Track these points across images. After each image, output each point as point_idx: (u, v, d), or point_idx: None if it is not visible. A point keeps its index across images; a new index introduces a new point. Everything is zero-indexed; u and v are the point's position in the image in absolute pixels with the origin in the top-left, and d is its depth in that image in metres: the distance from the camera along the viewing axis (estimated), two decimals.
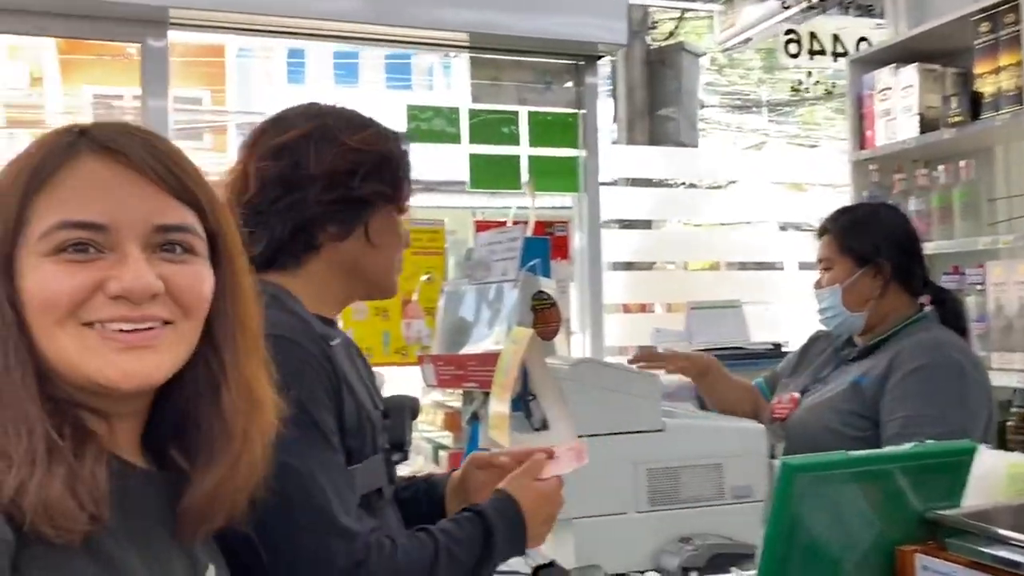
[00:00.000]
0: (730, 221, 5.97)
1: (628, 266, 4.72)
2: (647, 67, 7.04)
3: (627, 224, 4.37)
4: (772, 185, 5.73)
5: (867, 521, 0.96)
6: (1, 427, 0.70)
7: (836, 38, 3.52)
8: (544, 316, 1.88)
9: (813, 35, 3.48)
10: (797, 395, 2.04)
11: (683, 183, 6.67)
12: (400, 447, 1.32)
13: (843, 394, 1.92)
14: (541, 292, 1.88)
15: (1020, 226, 2.84)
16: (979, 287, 2.81)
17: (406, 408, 1.33)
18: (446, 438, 2.36)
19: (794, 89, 3.41)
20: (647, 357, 2.21)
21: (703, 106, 7.44)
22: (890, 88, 3.15)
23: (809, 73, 3.45)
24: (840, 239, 2.04)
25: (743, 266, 5.79)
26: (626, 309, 4.54)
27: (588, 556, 1.73)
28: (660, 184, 5.38)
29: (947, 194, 2.93)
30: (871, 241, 2.01)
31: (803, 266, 5.06)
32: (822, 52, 3.47)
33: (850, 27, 3.69)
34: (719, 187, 6.97)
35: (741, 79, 11.53)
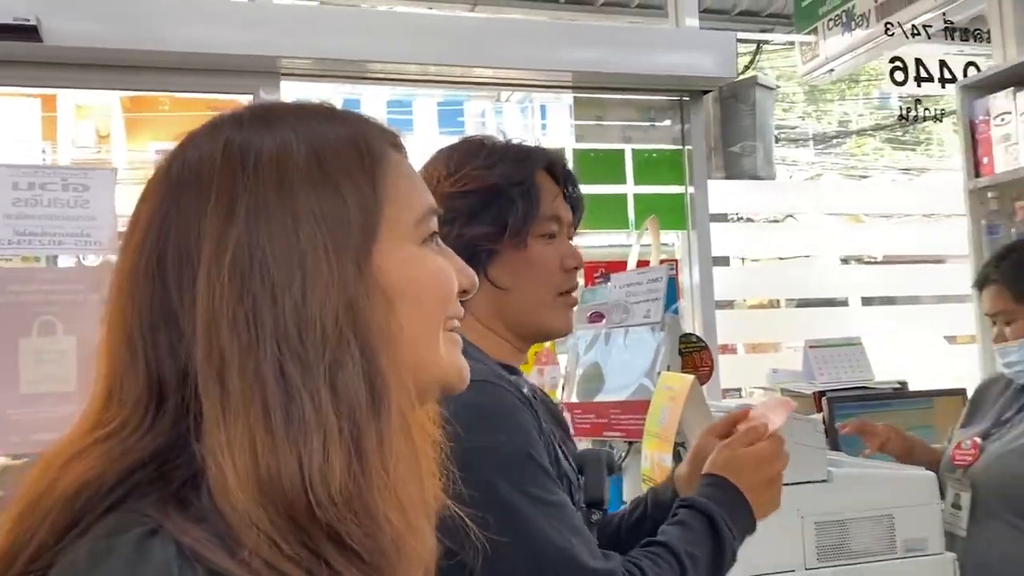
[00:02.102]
0: (789, 255, 5.80)
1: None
2: (720, 103, 6.99)
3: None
4: (828, 217, 5.58)
5: None
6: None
7: (943, 64, 3.40)
8: (694, 360, 1.80)
9: (920, 61, 3.37)
10: (979, 440, 1.91)
11: (740, 217, 6.53)
12: (599, 504, 1.23)
13: None
14: (689, 335, 1.80)
15: None
16: None
17: (602, 461, 1.24)
18: None
19: (902, 117, 3.31)
20: (859, 427, 2.08)
21: (778, 140, 7.32)
22: (1009, 112, 3.02)
23: (918, 100, 3.33)
24: (1014, 287, 1.91)
25: (804, 303, 5.62)
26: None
27: None
28: (721, 219, 5.29)
29: None
30: None
31: (865, 301, 4.89)
32: (929, 79, 3.35)
33: (952, 53, 3.58)
34: (776, 221, 6.82)
35: (787, 112, 11.41)
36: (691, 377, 1.59)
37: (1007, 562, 1.78)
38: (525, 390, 1.19)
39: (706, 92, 2.97)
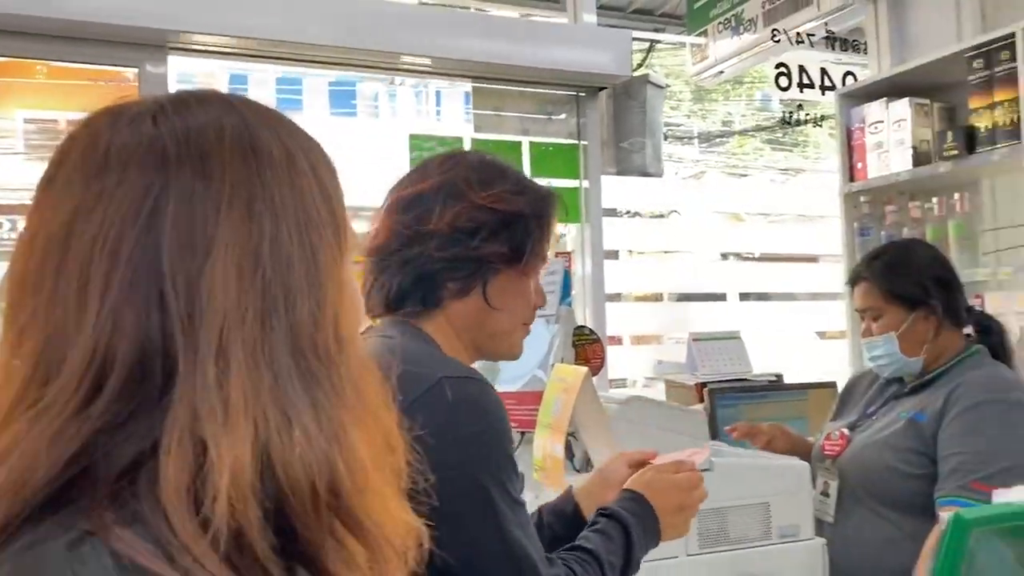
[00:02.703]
0: (673, 250, 6.00)
1: None
2: (612, 99, 7.12)
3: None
4: (713, 214, 5.80)
5: (1017, 572, 0.93)
6: None
7: (824, 72, 3.58)
8: (586, 352, 1.84)
9: (803, 68, 3.53)
10: (847, 431, 2.02)
11: (627, 212, 6.70)
12: None
13: (900, 432, 1.90)
14: (583, 327, 1.83)
15: (1011, 257, 2.90)
16: None
17: None
18: None
19: (785, 121, 3.47)
20: (747, 431, 2.16)
21: (666, 137, 7.53)
22: (882, 121, 3.20)
23: (800, 105, 3.49)
24: (884, 285, 1.99)
25: (685, 296, 5.84)
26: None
27: None
28: (610, 214, 5.42)
29: (942, 226, 2.98)
30: (916, 282, 1.98)
31: (743, 296, 5.14)
32: (811, 85, 3.52)
33: (831, 62, 3.76)
34: (661, 216, 7.03)
35: (673, 110, 11.76)
36: (584, 369, 1.62)
37: (869, 545, 1.90)
38: None
39: (601, 88, 3.03)
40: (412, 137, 2.78)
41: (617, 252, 5.54)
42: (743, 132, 12.01)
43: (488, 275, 1.23)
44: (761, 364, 3.14)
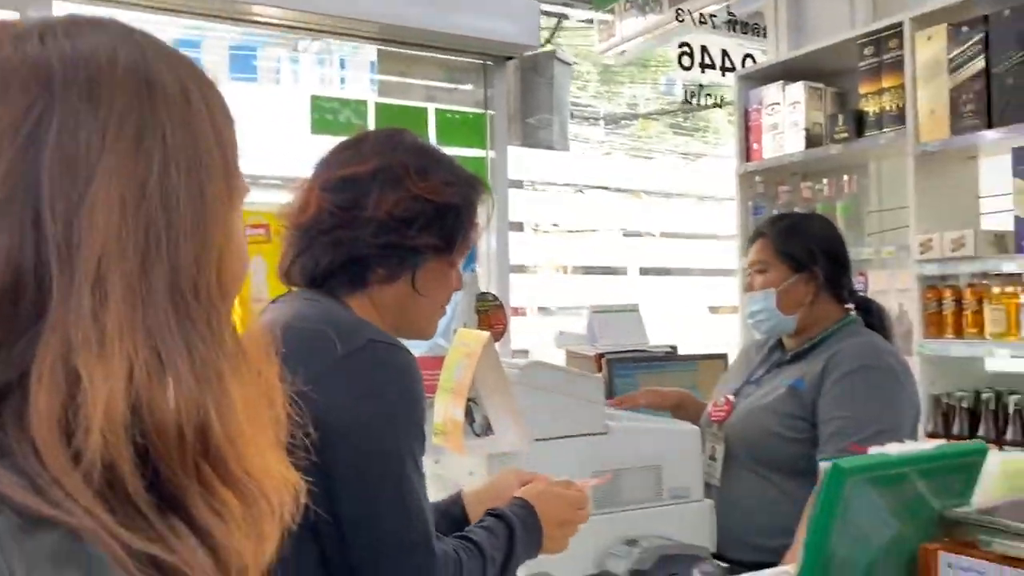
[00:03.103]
0: (577, 227, 6.09)
1: None
2: (520, 74, 7.13)
3: None
4: (617, 193, 5.92)
5: (889, 520, 0.99)
6: None
7: (725, 53, 3.66)
8: (489, 318, 1.84)
9: (705, 49, 3.61)
10: (731, 397, 2.10)
11: (531, 184, 6.75)
12: None
13: (781, 398, 1.98)
14: (486, 293, 1.84)
15: (894, 238, 3.05)
16: (861, 294, 2.99)
17: None
18: None
19: (686, 101, 3.55)
20: (626, 400, 2.22)
21: (573, 117, 7.59)
22: (778, 103, 3.30)
23: (701, 86, 3.58)
24: (777, 244, 2.09)
25: (589, 270, 5.97)
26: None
27: (536, 563, 1.69)
28: (516, 186, 5.45)
29: (831, 207, 3.11)
30: (806, 248, 2.07)
31: (643, 271, 5.29)
32: (712, 66, 3.60)
33: (732, 45, 3.85)
34: (569, 186, 7.11)
35: (580, 91, 11.90)
36: (486, 334, 1.63)
37: (753, 506, 1.98)
38: None
39: (509, 58, 3.02)
40: (314, 99, 2.71)
41: (522, 224, 5.57)
42: (647, 115, 12.22)
43: (418, 264, 1.25)
44: (658, 336, 3.22)
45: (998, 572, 0.91)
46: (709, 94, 3.63)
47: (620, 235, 5.98)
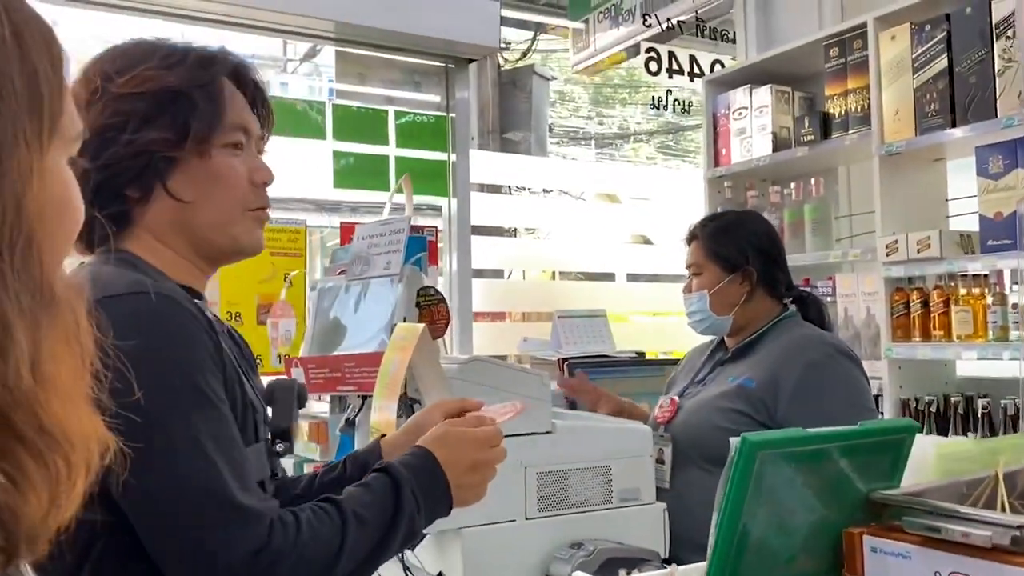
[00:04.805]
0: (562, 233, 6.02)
1: (477, 274, 4.67)
2: (499, 88, 7.13)
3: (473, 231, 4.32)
4: (594, 197, 5.87)
5: (812, 503, 0.93)
6: None
7: (693, 59, 3.64)
8: (431, 313, 1.78)
9: (672, 55, 3.58)
10: (676, 398, 2.08)
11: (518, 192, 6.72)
12: (285, 436, 1.17)
13: (727, 394, 1.96)
14: (427, 287, 1.78)
15: (863, 241, 3.01)
16: (829, 298, 2.94)
17: (293, 391, 1.18)
18: (312, 450, 2.19)
19: (654, 106, 3.52)
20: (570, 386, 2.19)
21: (551, 131, 7.58)
22: (745, 108, 3.27)
23: (668, 91, 3.55)
24: (708, 245, 2.09)
25: (580, 276, 5.91)
26: (475, 318, 4.47)
27: (477, 567, 1.63)
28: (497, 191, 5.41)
29: (798, 210, 3.07)
30: (738, 248, 2.07)
31: (631, 277, 5.20)
32: (680, 72, 3.57)
33: (701, 51, 3.83)
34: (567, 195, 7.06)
35: (572, 113, 11.92)
36: (421, 326, 1.57)
37: (703, 503, 1.91)
38: (209, 315, 1.10)
39: (471, 61, 2.98)
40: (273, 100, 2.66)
41: (503, 230, 5.50)
42: (636, 137, 12.26)
43: (162, 167, 1.08)
44: (649, 342, 3.17)
45: (924, 555, 0.85)
46: (677, 100, 3.60)
47: (602, 240, 5.89)
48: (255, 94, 1.19)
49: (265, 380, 1.23)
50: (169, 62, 1.10)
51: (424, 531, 1.14)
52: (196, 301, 1.08)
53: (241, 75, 1.16)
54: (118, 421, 0.68)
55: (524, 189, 5.81)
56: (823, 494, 0.93)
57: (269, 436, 1.17)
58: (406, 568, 1.71)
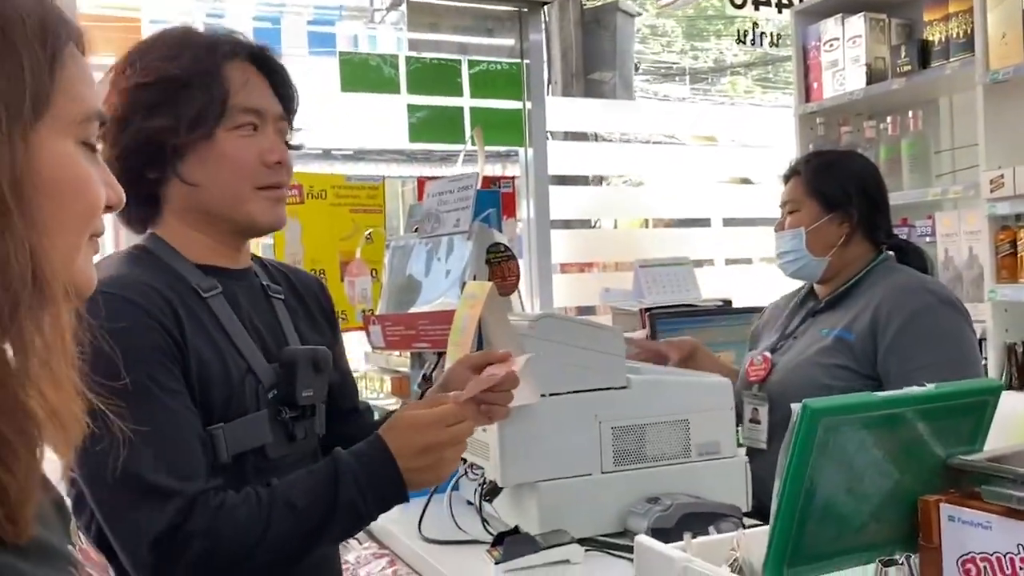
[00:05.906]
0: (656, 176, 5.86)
1: (565, 224, 4.62)
2: (582, 27, 6.95)
3: (559, 180, 4.26)
4: (699, 146, 5.69)
5: (886, 469, 0.88)
6: None
7: None
8: (502, 270, 1.77)
9: None
10: (768, 355, 1.97)
11: (607, 138, 6.57)
12: (291, 403, 1.19)
13: (827, 349, 1.86)
14: (497, 244, 1.76)
15: (966, 177, 2.83)
16: (928, 238, 2.79)
17: (298, 361, 1.19)
18: (394, 405, 2.23)
19: (740, 40, 3.37)
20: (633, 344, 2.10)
21: (637, 70, 7.38)
22: (837, 39, 3.09)
23: (755, 24, 3.38)
24: (810, 181, 1.96)
25: (673, 223, 5.77)
26: (562, 269, 4.44)
27: (553, 521, 1.63)
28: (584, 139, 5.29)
29: (895, 146, 2.90)
30: (841, 186, 1.94)
31: (727, 222, 5.03)
32: (767, 3, 3.39)
33: None
34: (656, 142, 6.89)
35: (665, 48, 11.55)
36: (490, 284, 1.55)
37: None
38: (210, 293, 1.18)
39: (545, 3, 2.90)
40: (341, 55, 2.66)
41: (588, 178, 5.41)
42: (733, 70, 11.80)
43: (171, 154, 1.17)
44: (724, 291, 3.08)
45: (1006, 526, 0.80)
46: (763, 32, 3.43)
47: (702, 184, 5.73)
48: (274, 77, 1.24)
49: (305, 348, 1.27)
50: (174, 52, 1.17)
51: (409, 495, 1.16)
52: (205, 280, 1.19)
53: (260, 59, 1.23)
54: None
55: (609, 138, 5.68)
56: (898, 459, 0.88)
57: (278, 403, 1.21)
58: (484, 520, 1.73)
